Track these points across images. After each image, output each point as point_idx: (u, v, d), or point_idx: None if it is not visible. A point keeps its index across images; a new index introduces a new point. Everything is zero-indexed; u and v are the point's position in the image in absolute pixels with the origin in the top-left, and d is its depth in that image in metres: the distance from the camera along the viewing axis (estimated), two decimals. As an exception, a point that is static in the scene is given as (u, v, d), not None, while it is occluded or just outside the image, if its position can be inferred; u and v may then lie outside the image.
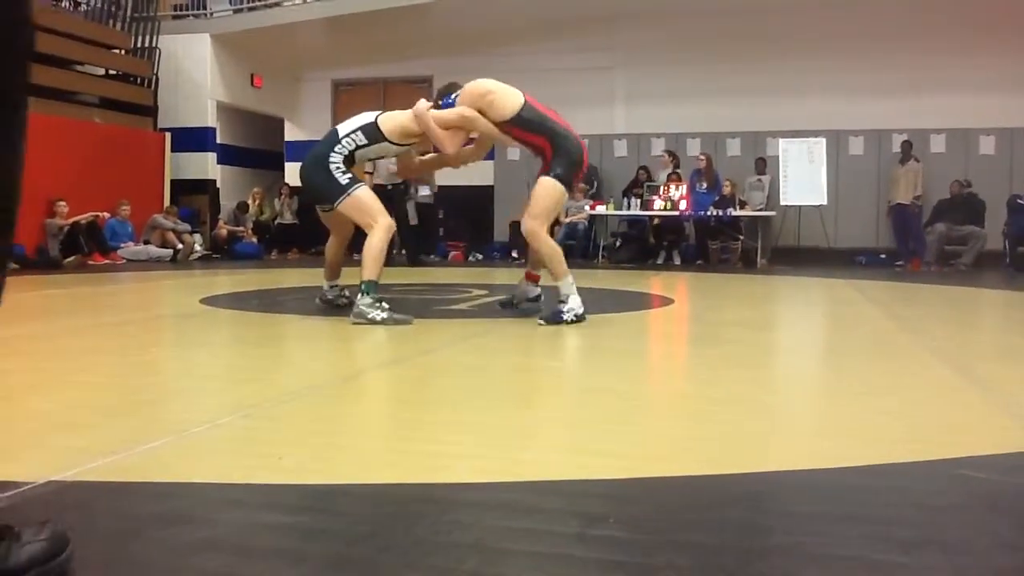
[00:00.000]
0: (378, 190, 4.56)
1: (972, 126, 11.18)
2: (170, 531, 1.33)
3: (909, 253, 10.66)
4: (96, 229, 10.23)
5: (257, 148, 14.31)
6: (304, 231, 12.61)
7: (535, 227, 4.18)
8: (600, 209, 11.40)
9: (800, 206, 11.22)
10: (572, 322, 4.02)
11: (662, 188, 11.10)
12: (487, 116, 4.17)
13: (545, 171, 4.18)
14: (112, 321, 4.63)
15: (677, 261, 11.21)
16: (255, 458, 1.78)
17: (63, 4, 12.04)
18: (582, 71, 12.48)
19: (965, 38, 11.01)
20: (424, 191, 10.96)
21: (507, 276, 8.33)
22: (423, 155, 4.82)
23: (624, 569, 1.21)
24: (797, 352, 3.89)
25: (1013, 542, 1.35)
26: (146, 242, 11.05)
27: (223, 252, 11.83)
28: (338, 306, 4.62)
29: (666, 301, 6.00)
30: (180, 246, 11.08)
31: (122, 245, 10.69)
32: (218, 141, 12.90)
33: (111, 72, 12.09)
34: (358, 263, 4.25)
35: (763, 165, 11.58)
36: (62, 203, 9.79)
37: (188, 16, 12.92)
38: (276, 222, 12.82)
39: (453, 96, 4.30)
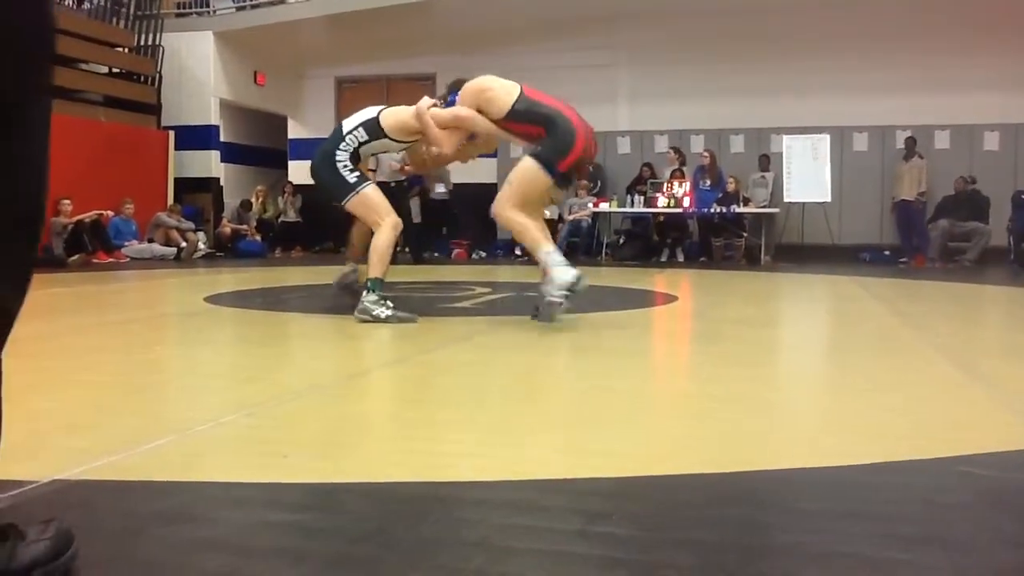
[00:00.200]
0: (381, 187, 4.54)
1: (976, 122, 11.15)
2: (174, 529, 1.34)
3: (913, 249, 10.62)
4: (100, 227, 10.26)
5: (261, 146, 14.29)
6: (308, 229, 12.63)
7: (500, 210, 4.01)
8: (604, 206, 11.36)
9: (804, 203, 11.19)
10: (568, 297, 3.79)
11: (666, 185, 11.09)
12: (486, 113, 4.10)
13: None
14: (116, 319, 4.64)
15: (681, 258, 11.18)
16: (258, 457, 1.79)
17: (67, 2, 12.04)
18: (586, 68, 12.44)
19: (965, 38, 10.95)
20: (440, 188, 10.95)
21: (510, 274, 8.32)
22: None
23: (626, 566, 1.21)
24: (801, 349, 3.88)
25: (1016, 539, 1.35)
26: (150, 240, 11.07)
27: (227, 250, 11.84)
28: (354, 292, 4.47)
29: (670, 298, 6.00)
30: (184, 244, 11.11)
31: (126, 243, 10.71)
32: (222, 139, 12.89)
33: (115, 70, 12.10)
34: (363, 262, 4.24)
35: (767, 162, 11.56)
36: (66, 201, 9.79)
37: (191, 14, 12.92)
38: (280, 220, 12.80)
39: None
